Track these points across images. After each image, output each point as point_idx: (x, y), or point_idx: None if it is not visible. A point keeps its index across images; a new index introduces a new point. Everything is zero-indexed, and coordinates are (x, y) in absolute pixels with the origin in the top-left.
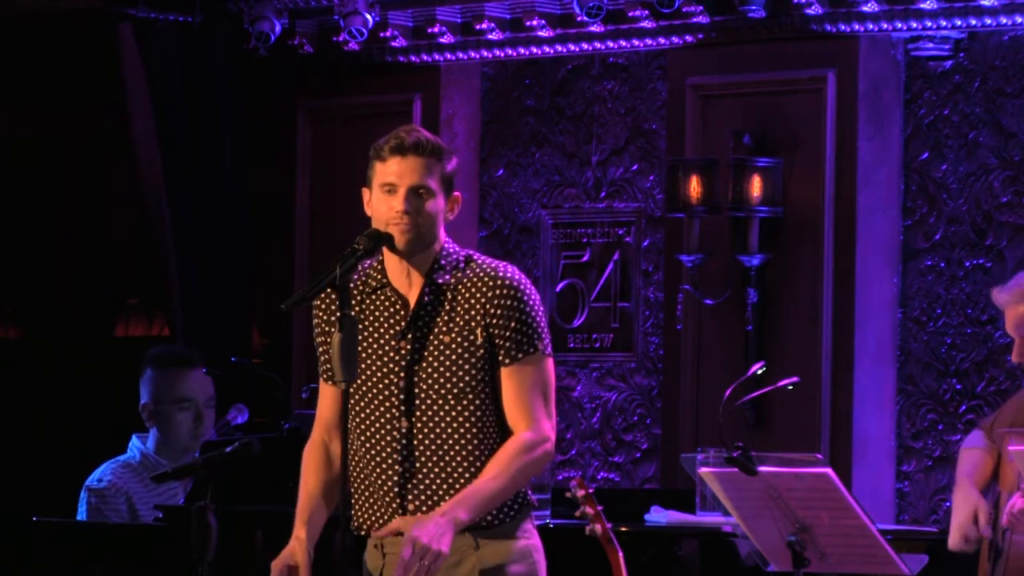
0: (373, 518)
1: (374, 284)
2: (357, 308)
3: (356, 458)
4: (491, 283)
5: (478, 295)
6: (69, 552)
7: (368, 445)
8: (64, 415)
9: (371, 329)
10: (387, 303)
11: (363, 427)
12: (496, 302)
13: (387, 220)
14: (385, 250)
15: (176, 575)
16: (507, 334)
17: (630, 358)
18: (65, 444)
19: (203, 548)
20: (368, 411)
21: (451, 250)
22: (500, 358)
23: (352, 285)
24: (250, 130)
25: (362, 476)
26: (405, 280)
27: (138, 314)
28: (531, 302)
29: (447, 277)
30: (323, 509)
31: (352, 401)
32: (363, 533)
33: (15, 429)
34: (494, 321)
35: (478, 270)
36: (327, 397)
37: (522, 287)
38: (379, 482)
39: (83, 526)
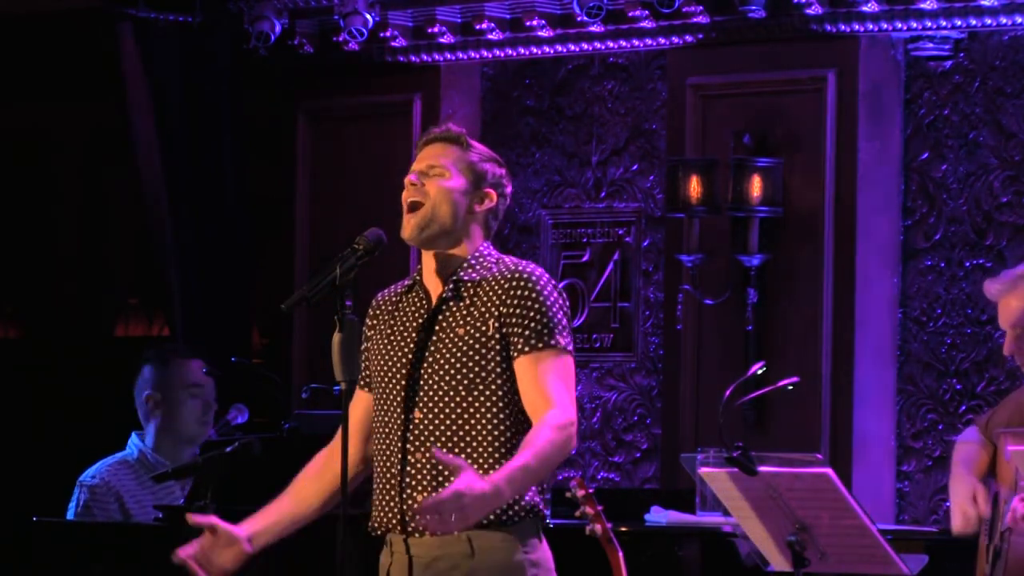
0: (385, 516)
1: (410, 284)
2: (393, 309)
3: (375, 459)
4: (508, 276)
5: (496, 287)
6: (69, 552)
7: (382, 439)
8: (64, 415)
9: (398, 327)
10: (414, 300)
11: (380, 422)
12: (511, 293)
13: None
14: (423, 254)
15: (176, 575)
16: (524, 322)
17: (630, 358)
18: (65, 444)
19: None
20: (385, 406)
21: (486, 252)
22: (516, 347)
23: (392, 290)
24: (250, 130)
25: (378, 474)
26: (435, 279)
27: (138, 314)
28: (549, 297)
29: (473, 275)
30: (290, 506)
31: (374, 399)
32: (378, 533)
33: (15, 429)
34: (508, 311)
35: (501, 267)
36: (356, 402)
37: (539, 282)
38: (389, 475)
39: (83, 526)
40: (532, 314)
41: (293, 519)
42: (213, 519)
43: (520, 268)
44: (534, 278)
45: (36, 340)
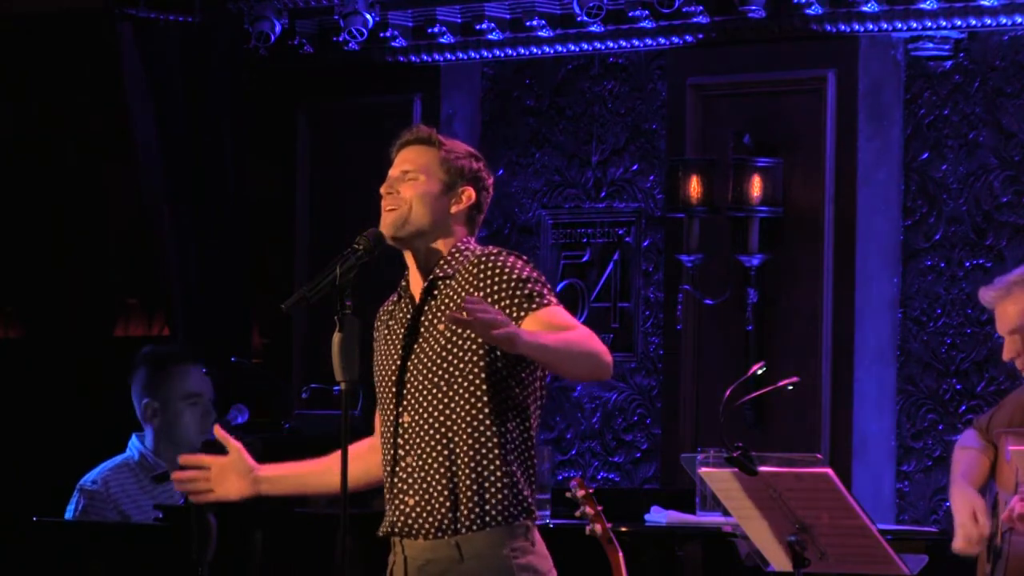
0: (386, 518)
1: (401, 292)
2: (388, 319)
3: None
4: (475, 262)
5: (466, 275)
6: (68, 552)
7: (383, 445)
8: (64, 415)
9: (391, 335)
10: (403, 306)
11: (381, 429)
12: (480, 276)
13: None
14: (406, 256)
15: (176, 575)
16: (509, 293)
17: (630, 358)
18: (65, 444)
19: (203, 548)
20: (383, 413)
21: (463, 247)
22: (511, 317)
23: (391, 300)
24: (250, 130)
25: (386, 480)
26: (418, 281)
27: (138, 314)
28: (524, 270)
29: (448, 270)
30: (310, 470)
31: (379, 406)
32: (380, 535)
33: (15, 429)
34: (483, 294)
35: (470, 257)
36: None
37: (507, 260)
38: (390, 481)
39: (83, 526)
40: (512, 284)
41: (304, 483)
42: (237, 444)
43: (483, 252)
44: (501, 258)
45: (36, 340)
